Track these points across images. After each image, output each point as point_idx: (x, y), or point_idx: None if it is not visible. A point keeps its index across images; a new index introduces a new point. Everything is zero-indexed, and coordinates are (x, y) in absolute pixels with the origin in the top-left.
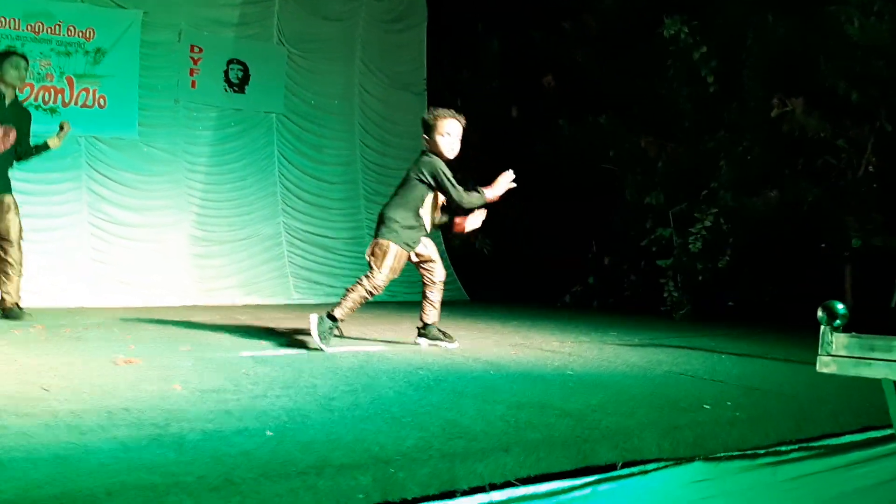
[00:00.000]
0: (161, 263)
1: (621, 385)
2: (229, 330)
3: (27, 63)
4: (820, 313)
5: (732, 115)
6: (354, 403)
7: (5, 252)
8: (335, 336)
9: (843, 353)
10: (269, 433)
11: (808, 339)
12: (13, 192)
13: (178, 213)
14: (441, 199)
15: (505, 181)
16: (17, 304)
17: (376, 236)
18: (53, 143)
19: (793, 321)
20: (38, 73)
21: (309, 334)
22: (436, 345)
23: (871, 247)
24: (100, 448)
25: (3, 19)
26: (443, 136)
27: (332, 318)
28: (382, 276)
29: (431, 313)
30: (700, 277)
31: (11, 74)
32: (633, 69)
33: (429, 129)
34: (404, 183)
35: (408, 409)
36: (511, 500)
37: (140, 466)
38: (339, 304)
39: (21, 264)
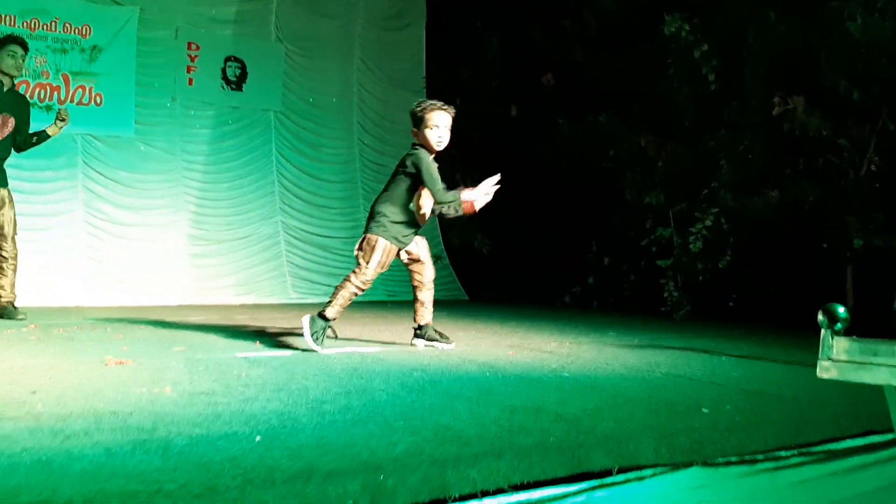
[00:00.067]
0: (158, 262)
1: (618, 388)
2: (225, 330)
3: (25, 51)
4: (820, 317)
5: (733, 114)
6: (346, 407)
7: (0, 247)
8: (329, 337)
9: (843, 357)
10: (257, 438)
11: (809, 341)
12: (9, 187)
13: (176, 211)
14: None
15: (486, 186)
16: (11, 302)
17: (365, 231)
18: (52, 130)
19: (793, 322)
20: (34, 71)
21: (303, 335)
22: (432, 346)
23: (873, 247)
24: (83, 454)
25: None
26: (431, 128)
27: (323, 318)
28: (370, 271)
29: (425, 314)
30: (700, 278)
31: (8, 63)
32: (633, 68)
33: (417, 121)
34: (393, 177)
35: (400, 413)
36: None
37: (123, 473)
38: (329, 303)
39: (15, 259)
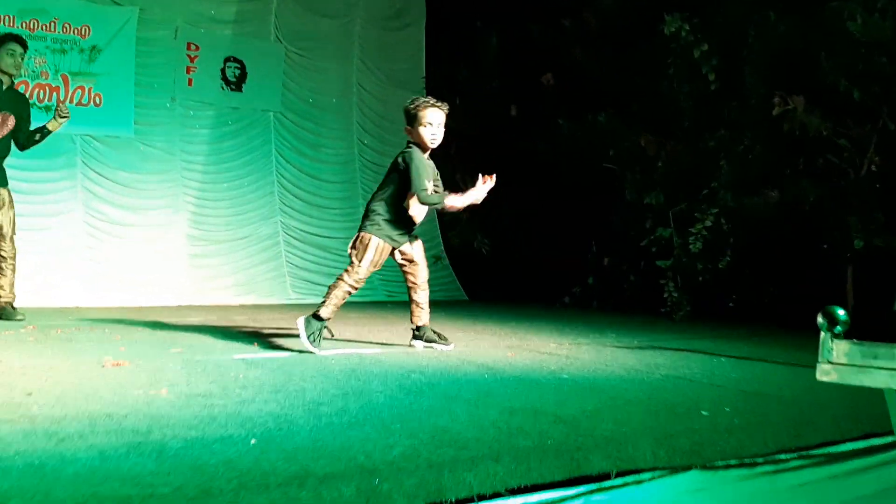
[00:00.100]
0: (157, 263)
1: (617, 390)
2: (223, 331)
3: (24, 49)
4: (820, 319)
5: (733, 114)
6: (343, 409)
7: None
8: (326, 337)
9: (843, 360)
10: (252, 441)
11: (809, 342)
12: (8, 187)
13: (175, 212)
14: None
15: (474, 194)
16: (10, 303)
17: (360, 230)
18: (53, 125)
19: (793, 322)
20: (33, 71)
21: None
22: (431, 347)
23: (873, 247)
24: (77, 457)
25: None
26: (424, 125)
27: (318, 318)
28: (363, 269)
29: (421, 315)
30: (700, 278)
31: (7, 62)
32: (633, 67)
33: (410, 119)
34: (387, 176)
35: (398, 415)
36: None
37: (116, 476)
38: (323, 303)
39: (14, 259)
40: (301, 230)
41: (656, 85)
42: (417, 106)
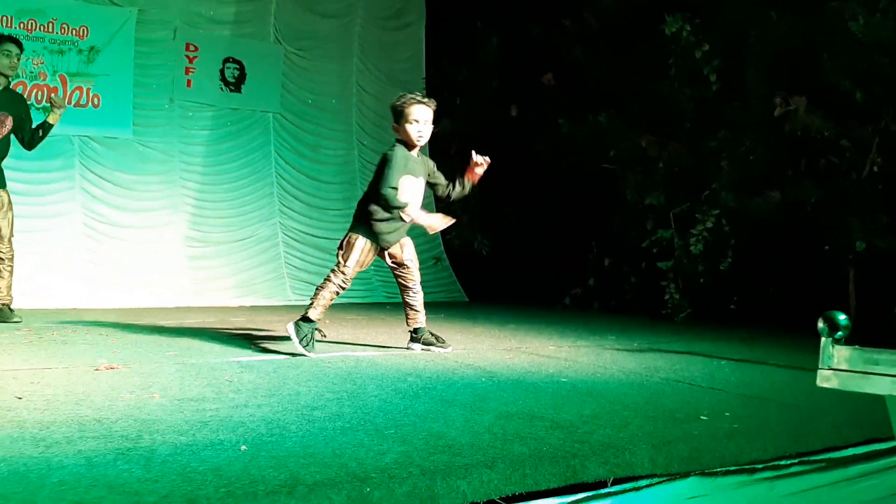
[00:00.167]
0: (156, 264)
1: (616, 394)
2: (220, 333)
3: (20, 50)
4: (821, 324)
5: (734, 115)
6: (337, 413)
7: None
8: (318, 339)
9: (844, 366)
10: (242, 447)
11: (810, 345)
12: (7, 188)
13: (174, 213)
14: (441, 188)
15: (432, 221)
16: (7, 305)
17: (349, 230)
18: (52, 119)
19: (794, 324)
20: (31, 72)
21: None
22: (429, 349)
23: (875, 249)
24: (63, 463)
25: None
26: (411, 122)
27: (307, 321)
28: (349, 269)
29: (417, 317)
30: (701, 280)
31: (2, 63)
32: (634, 67)
33: (397, 115)
34: (374, 176)
35: (392, 420)
36: None
37: (103, 484)
38: (311, 305)
39: (12, 261)
40: (300, 231)
41: (657, 85)
42: (404, 102)
